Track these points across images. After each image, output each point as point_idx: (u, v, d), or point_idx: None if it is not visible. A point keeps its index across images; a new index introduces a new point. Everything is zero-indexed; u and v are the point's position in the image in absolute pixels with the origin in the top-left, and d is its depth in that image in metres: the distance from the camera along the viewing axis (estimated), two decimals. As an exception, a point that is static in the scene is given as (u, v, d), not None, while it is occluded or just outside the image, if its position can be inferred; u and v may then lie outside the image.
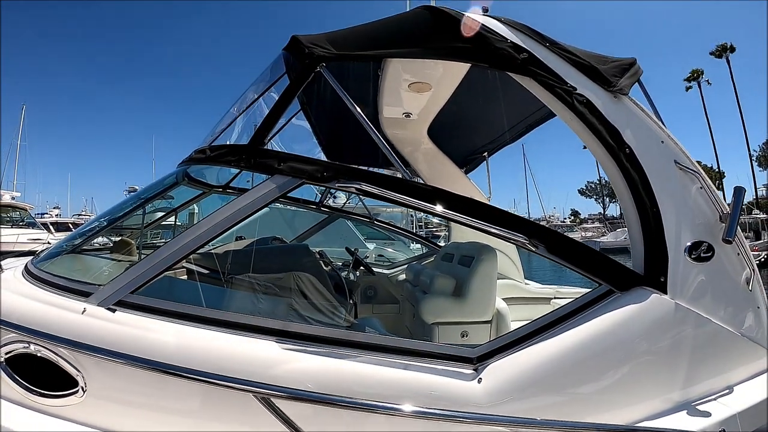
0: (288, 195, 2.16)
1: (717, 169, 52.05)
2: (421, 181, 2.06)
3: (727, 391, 2.19)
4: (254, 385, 1.73)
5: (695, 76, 54.60)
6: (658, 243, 2.15)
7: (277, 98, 2.34)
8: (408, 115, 4.48)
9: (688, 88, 55.14)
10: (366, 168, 2.11)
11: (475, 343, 2.16)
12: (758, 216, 39.06)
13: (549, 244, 2.09)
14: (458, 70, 3.38)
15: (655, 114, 2.41)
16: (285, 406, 1.75)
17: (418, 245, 7.50)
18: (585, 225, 60.51)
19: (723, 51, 51.84)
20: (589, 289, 2.21)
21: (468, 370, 1.97)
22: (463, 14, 2.25)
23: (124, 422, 1.89)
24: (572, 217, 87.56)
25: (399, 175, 2.47)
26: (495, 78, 3.18)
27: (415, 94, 3.89)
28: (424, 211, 2.11)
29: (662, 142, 2.27)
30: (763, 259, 26.11)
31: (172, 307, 2.00)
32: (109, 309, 1.97)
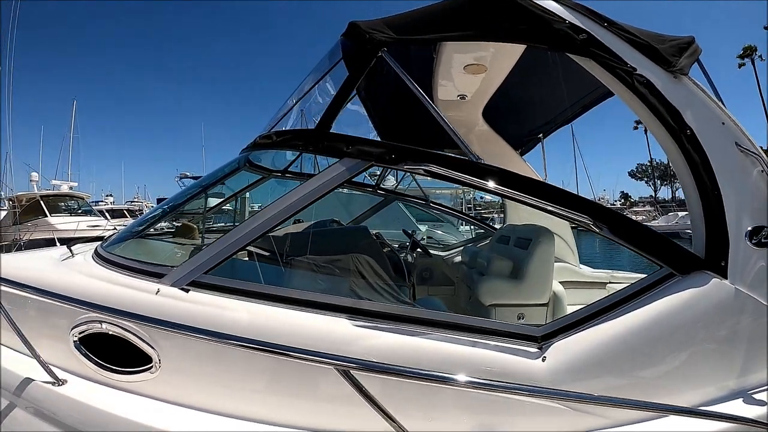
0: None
1: (773, 152, 48.44)
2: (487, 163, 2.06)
3: None
4: (335, 358, 1.76)
5: (748, 52, 51.70)
6: (720, 226, 2.08)
7: (332, 86, 2.39)
8: (463, 97, 4.46)
9: (741, 65, 52.39)
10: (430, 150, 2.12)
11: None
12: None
13: (612, 225, 2.07)
14: (513, 51, 3.34)
15: (715, 94, 2.31)
16: (362, 378, 1.77)
17: (467, 227, 7.46)
18: (635, 208, 57.81)
19: (778, 23, 48.53)
20: (645, 275, 2.16)
21: (533, 349, 1.98)
22: None
23: (195, 396, 2.00)
24: (622, 200, 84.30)
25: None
26: (550, 59, 3.14)
27: (470, 76, 3.87)
28: (492, 193, 2.11)
29: (723, 123, 2.18)
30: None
31: (244, 286, 2.09)
32: (182, 289, 2.09)
